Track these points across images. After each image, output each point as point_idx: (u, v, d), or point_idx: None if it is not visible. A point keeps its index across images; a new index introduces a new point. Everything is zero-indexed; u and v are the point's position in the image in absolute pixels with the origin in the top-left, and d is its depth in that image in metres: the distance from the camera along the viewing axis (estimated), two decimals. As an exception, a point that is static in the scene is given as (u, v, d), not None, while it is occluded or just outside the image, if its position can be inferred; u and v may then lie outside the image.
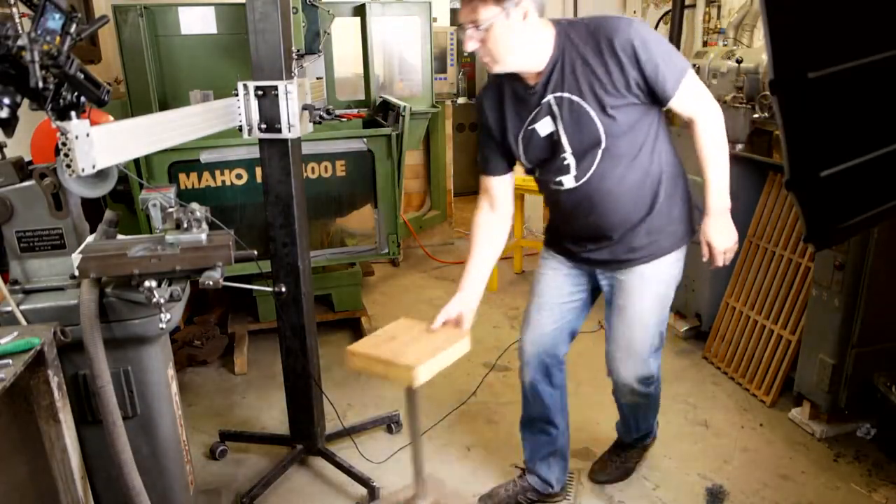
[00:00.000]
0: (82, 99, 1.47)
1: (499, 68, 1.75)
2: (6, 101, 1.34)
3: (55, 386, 1.51)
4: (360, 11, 3.81)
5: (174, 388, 1.89)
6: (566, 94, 1.75)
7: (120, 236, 1.80)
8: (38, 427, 1.55)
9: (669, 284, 1.98)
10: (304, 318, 2.29)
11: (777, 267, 2.90)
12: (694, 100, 1.78)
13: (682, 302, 3.41)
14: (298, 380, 2.37)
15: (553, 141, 1.82)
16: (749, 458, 2.52)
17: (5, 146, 1.70)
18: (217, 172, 2.88)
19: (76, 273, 1.63)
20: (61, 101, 1.43)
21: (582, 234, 1.96)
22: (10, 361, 1.34)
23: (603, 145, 1.78)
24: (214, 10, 3.25)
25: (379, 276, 4.43)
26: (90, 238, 1.76)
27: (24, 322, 1.58)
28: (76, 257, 1.64)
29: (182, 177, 2.84)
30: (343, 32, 3.95)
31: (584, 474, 2.43)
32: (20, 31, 1.34)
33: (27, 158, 1.74)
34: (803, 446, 2.57)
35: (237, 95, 2.04)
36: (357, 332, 3.59)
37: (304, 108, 2.09)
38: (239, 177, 2.92)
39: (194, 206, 1.73)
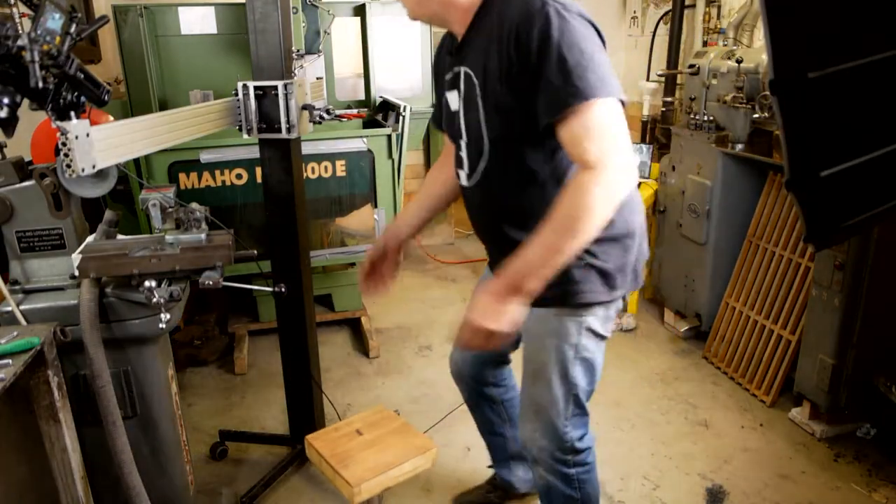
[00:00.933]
0: (82, 99, 1.47)
1: (410, 14, 1.49)
2: (6, 100, 1.34)
3: (55, 386, 1.51)
4: (360, 11, 3.81)
5: (174, 388, 1.89)
6: (470, 70, 1.43)
7: (120, 236, 1.80)
8: (38, 427, 1.55)
9: (576, 348, 1.60)
10: (304, 319, 2.30)
11: (777, 267, 2.90)
12: (584, 142, 1.25)
13: (682, 302, 3.41)
14: (298, 380, 2.38)
15: (456, 122, 1.53)
16: (749, 458, 2.52)
17: (5, 146, 1.70)
18: (217, 172, 2.88)
19: (76, 273, 1.63)
20: (61, 100, 1.43)
21: (485, 242, 1.70)
22: (10, 361, 1.34)
23: (486, 148, 1.45)
24: (214, 10, 3.25)
25: (379, 276, 4.42)
26: (90, 238, 1.76)
27: (24, 322, 1.58)
28: (76, 257, 1.64)
29: (182, 177, 2.84)
30: (343, 32, 3.95)
31: (584, 474, 2.43)
32: (20, 31, 1.34)
33: (27, 158, 1.74)
34: (803, 446, 2.57)
35: (237, 95, 2.03)
36: (357, 332, 3.59)
37: (304, 108, 2.08)
38: (239, 177, 2.92)
39: (194, 206, 1.74)
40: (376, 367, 3.21)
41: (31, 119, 1.60)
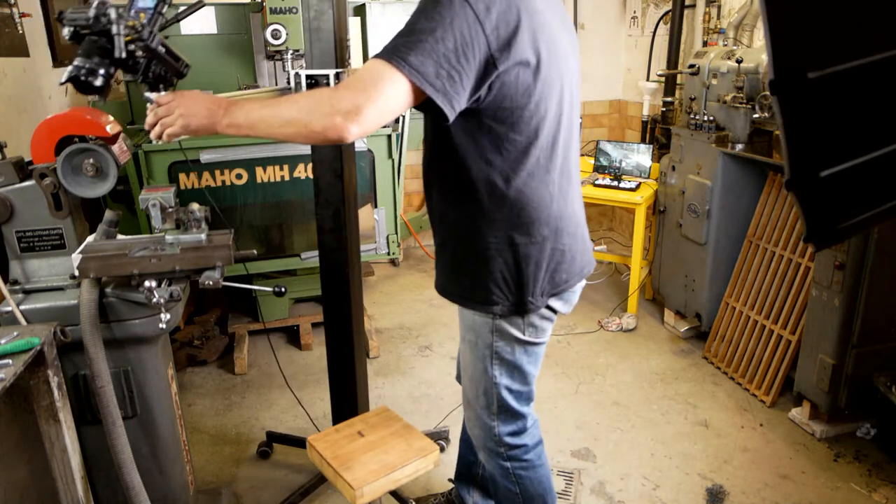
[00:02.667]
0: (169, 74, 1.61)
1: None
2: (101, 71, 1.49)
3: (55, 386, 1.51)
4: (360, 11, 3.81)
5: (174, 388, 1.89)
6: None
7: (120, 236, 1.80)
8: (38, 427, 1.55)
9: (491, 347, 1.61)
10: (352, 322, 2.21)
11: (777, 267, 2.90)
12: (353, 76, 1.27)
13: (682, 302, 3.41)
14: (346, 379, 2.31)
15: None
16: (749, 458, 2.52)
17: (5, 146, 1.70)
18: (217, 172, 2.88)
19: (76, 273, 1.63)
20: (150, 73, 1.57)
21: None
22: (10, 361, 1.35)
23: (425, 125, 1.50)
24: (214, 10, 3.25)
25: (379, 276, 4.43)
26: (90, 238, 1.76)
27: (24, 322, 1.58)
28: (76, 257, 1.64)
29: (182, 177, 2.84)
30: (343, 32, 3.95)
31: (584, 474, 2.44)
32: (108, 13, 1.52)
33: (27, 158, 1.74)
34: (803, 446, 2.57)
35: (289, 84, 1.98)
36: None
37: None
38: (239, 177, 2.92)
39: (194, 206, 1.74)
40: (376, 367, 3.22)
41: (31, 119, 1.60)
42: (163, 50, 1.56)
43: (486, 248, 1.49)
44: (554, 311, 1.64)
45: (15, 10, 2.53)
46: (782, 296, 2.85)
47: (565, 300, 1.66)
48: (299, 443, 2.52)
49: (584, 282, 1.69)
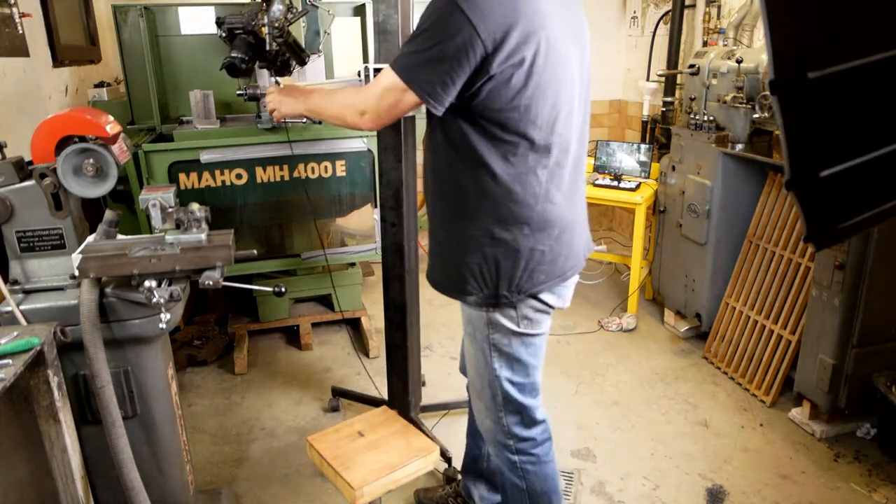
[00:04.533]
0: (291, 62, 2.33)
1: None
2: (247, 57, 2.14)
3: (55, 386, 1.51)
4: (360, 11, 3.81)
5: (174, 388, 1.89)
6: None
7: (120, 236, 1.80)
8: (38, 427, 1.55)
9: (489, 340, 1.67)
10: (405, 295, 2.45)
11: (777, 267, 2.90)
12: (373, 81, 1.53)
13: (682, 302, 3.41)
14: (398, 351, 2.54)
15: None
16: (749, 458, 2.52)
17: (5, 146, 1.70)
18: (217, 172, 2.88)
19: (76, 273, 1.62)
20: (279, 61, 2.24)
21: None
22: (10, 361, 1.34)
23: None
24: (214, 10, 3.25)
25: (379, 276, 4.42)
26: (90, 238, 1.76)
27: (24, 322, 1.58)
28: (76, 257, 1.64)
29: (182, 177, 2.84)
30: (343, 32, 3.95)
31: (584, 474, 2.44)
32: (257, 17, 2.21)
33: (27, 158, 1.74)
34: (803, 446, 2.57)
35: (359, 76, 2.31)
36: (357, 331, 3.59)
37: None
38: (239, 177, 2.92)
39: (194, 206, 1.74)
40: (377, 367, 3.21)
41: (31, 119, 1.60)
42: (293, 43, 2.17)
43: (469, 241, 1.57)
44: (548, 304, 1.66)
45: (15, 10, 2.53)
46: (782, 296, 2.85)
47: (558, 294, 1.68)
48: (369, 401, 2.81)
49: (577, 276, 1.72)
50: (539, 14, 1.40)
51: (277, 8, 2.18)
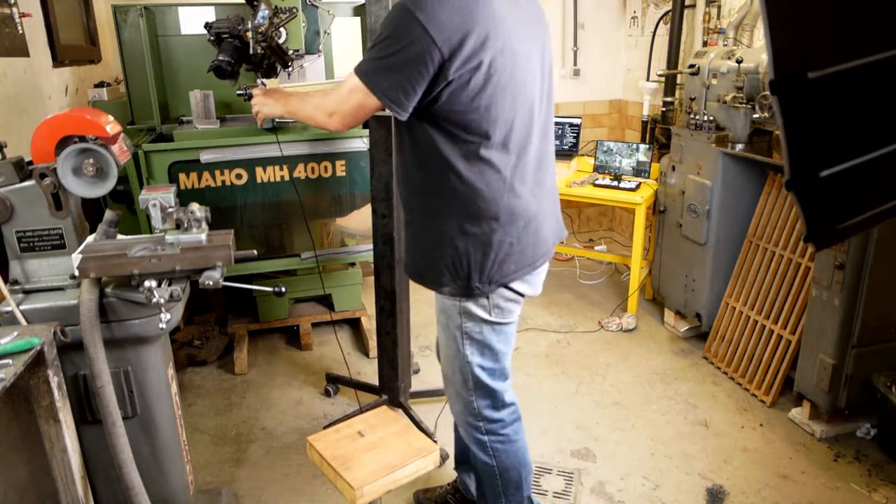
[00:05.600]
0: (277, 66, 2.37)
1: None
2: (232, 60, 2.20)
3: (55, 386, 1.51)
4: (360, 11, 3.81)
5: (174, 388, 1.89)
6: None
7: (120, 236, 1.80)
8: (38, 427, 1.55)
9: (461, 328, 1.74)
10: (395, 283, 2.53)
11: (777, 267, 2.90)
12: (340, 85, 1.62)
13: (682, 302, 3.41)
14: (387, 337, 2.63)
15: None
16: (749, 458, 2.52)
17: (5, 146, 1.70)
18: (217, 172, 2.88)
19: (76, 273, 1.63)
20: (265, 63, 2.31)
21: None
22: (10, 361, 1.34)
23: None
24: (214, 11, 3.25)
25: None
26: (90, 238, 1.76)
27: (24, 322, 1.58)
28: (76, 257, 1.64)
29: (182, 177, 2.84)
30: (343, 32, 3.95)
31: (584, 474, 2.44)
32: (242, 22, 2.24)
33: (27, 158, 1.74)
34: (803, 446, 2.57)
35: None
36: (357, 331, 3.59)
37: None
38: (239, 177, 2.92)
39: (194, 206, 1.73)
40: (376, 367, 3.21)
41: (31, 119, 1.60)
42: (276, 47, 2.21)
43: (441, 235, 1.65)
44: (519, 293, 1.75)
45: (15, 10, 2.53)
46: (782, 296, 2.85)
47: (529, 283, 1.76)
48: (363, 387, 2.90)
49: (546, 265, 1.80)
50: (494, 18, 1.48)
51: (262, 14, 2.26)
